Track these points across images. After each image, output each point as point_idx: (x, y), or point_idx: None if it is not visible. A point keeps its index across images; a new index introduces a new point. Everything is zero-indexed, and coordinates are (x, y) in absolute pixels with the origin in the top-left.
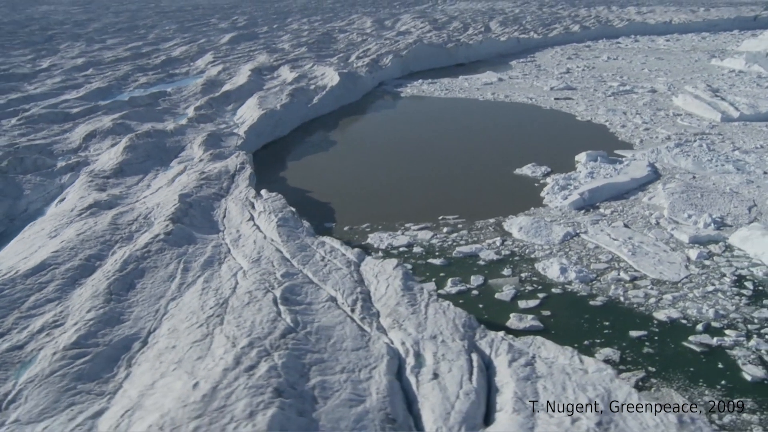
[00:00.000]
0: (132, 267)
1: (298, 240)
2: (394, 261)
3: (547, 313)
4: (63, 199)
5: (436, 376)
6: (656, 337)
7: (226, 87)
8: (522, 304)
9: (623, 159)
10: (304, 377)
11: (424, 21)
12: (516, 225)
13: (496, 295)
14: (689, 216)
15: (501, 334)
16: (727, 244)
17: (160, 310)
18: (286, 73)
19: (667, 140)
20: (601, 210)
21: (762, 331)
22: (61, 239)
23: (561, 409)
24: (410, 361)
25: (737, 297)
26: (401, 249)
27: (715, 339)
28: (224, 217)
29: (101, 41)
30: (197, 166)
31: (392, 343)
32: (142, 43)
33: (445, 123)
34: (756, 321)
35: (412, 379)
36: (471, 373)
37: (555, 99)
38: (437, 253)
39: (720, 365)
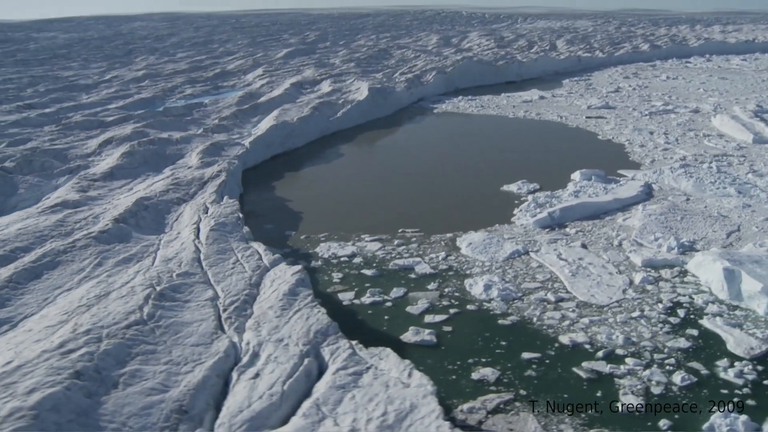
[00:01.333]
0: (48, 260)
1: (223, 244)
2: (297, 268)
3: (448, 328)
4: (48, 199)
5: (256, 375)
6: (548, 361)
7: (261, 99)
8: (428, 318)
9: (621, 179)
10: (120, 364)
11: (489, 39)
12: (467, 241)
13: (408, 308)
14: (656, 239)
15: (352, 342)
16: (682, 270)
17: (49, 299)
18: (326, 87)
19: (681, 161)
20: (567, 229)
21: (666, 361)
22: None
23: (350, 420)
24: (244, 360)
25: (660, 324)
26: (342, 259)
27: (609, 367)
28: (176, 220)
29: (171, 55)
30: (181, 173)
31: (240, 343)
32: (206, 56)
33: (458, 139)
34: (665, 351)
35: (234, 377)
36: (291, 376)
37: (586, 117)
38: (374, 265)
39: (598, 393)
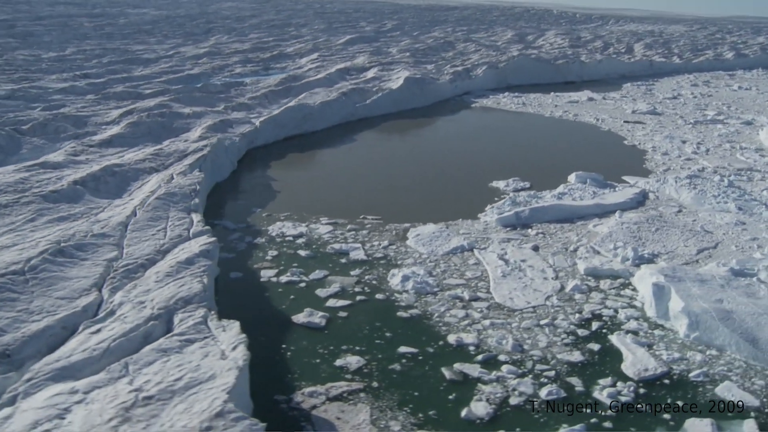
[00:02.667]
0: None
1: (161, 212)
2: (208, 239)
3: (344, 314)
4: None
5: (97, 331)
6: (421, 357)
7: (299, 83)
8: (331, 302)
9: (620, 185)
10: None
11: (565, 38)
12: (418, 233)
13: (318, 290)
14: (615, 248)
15: (210, 313)
16: (625, 282)
17: None
18: (369, 75)
19: (699, 171)
20: (529, 230)
21: (545, 373)
22: None
23: (143, 380)
24: (98, 317)
25: (564, 335)
26: (287, 238)
27: (480, 371)
28: (139, 188)
29: (244, 35)
30: (175, 145)
31: (105, 301)
32: (274, 39)
33: (476, 133)
34: (551, 362)
35: (79, 330)
36: (125, 336)
37: (624, 122)
38: (313, 246)
39: (451, 395)
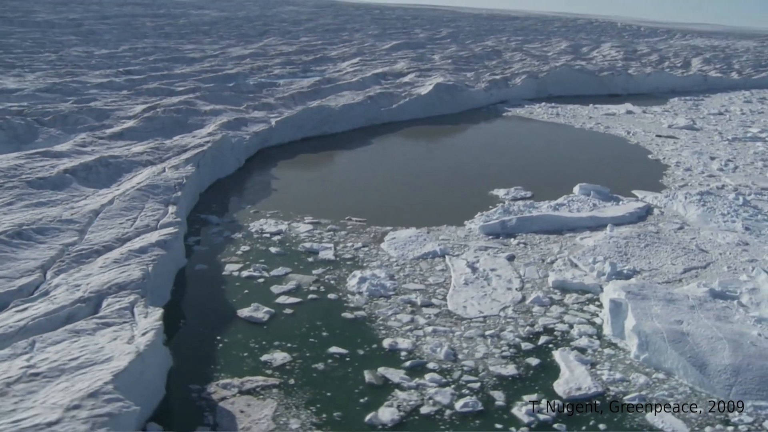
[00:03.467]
0: None
1: (138, 202)
2: (170, 231)
3: (290, 311)
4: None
5: (23, 309)
6: (348, 359)
7: (330, 85)
8: (281, 299)
9: (627, 199)
10: None
11: (620, 50)
12: (394, 236)
13: (274, 287)
14: (594, 262)
15: (140, 300)
16: (593, 298)
17: None
18: (405, 80)
19: (718, 189)
20: (512, 240)
21: (470, 384)
22: None
23: (43, 358)
24: (32, 296)
25: (506, 348)
26: (264, 235)
27: (401, 377)
28: (129, 179)
29: (296, 37)
30: (180, 141)
31: (44, 282)
32: (322, 42)
33: (495, 140)
34: (481, 374)
35: (9, 307)
36: (46, 315)
37: (656, 136)
38: (286, 244)
39: (363, 399)
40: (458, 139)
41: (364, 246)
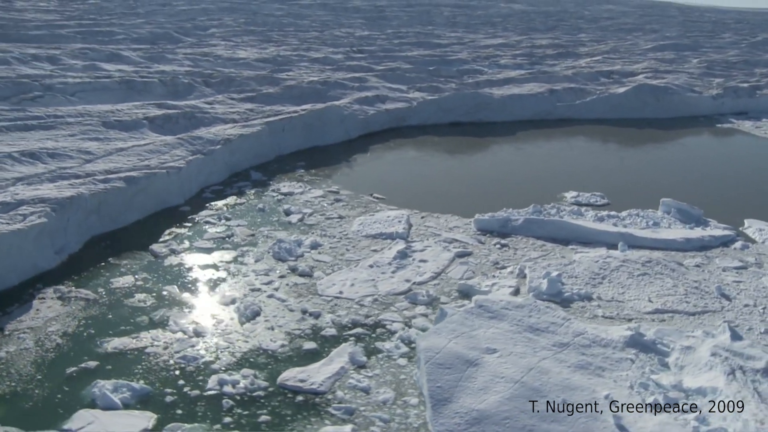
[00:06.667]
0: None
1: (173, 148)
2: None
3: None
4: None
5: None
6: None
7: (531, 81)
8: (218, 255)
9: (718, 224)
10: None
11: None
12: (373, 215)
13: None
14: (544, 276)
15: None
16: None
17: None
18: (634, 78)
19: None
20: (500, 239)
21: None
22: None
23: None
24: None
25: (308, 329)
26: (282, 191)
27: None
28: (197, 130)
29: (594, 33)
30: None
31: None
32: (591, 38)
33: (658, 153)
34: (249, 342)
35: None
36: None
37: None
38: (285, 205)
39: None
40: (610, 141)
41: (339, 218)
